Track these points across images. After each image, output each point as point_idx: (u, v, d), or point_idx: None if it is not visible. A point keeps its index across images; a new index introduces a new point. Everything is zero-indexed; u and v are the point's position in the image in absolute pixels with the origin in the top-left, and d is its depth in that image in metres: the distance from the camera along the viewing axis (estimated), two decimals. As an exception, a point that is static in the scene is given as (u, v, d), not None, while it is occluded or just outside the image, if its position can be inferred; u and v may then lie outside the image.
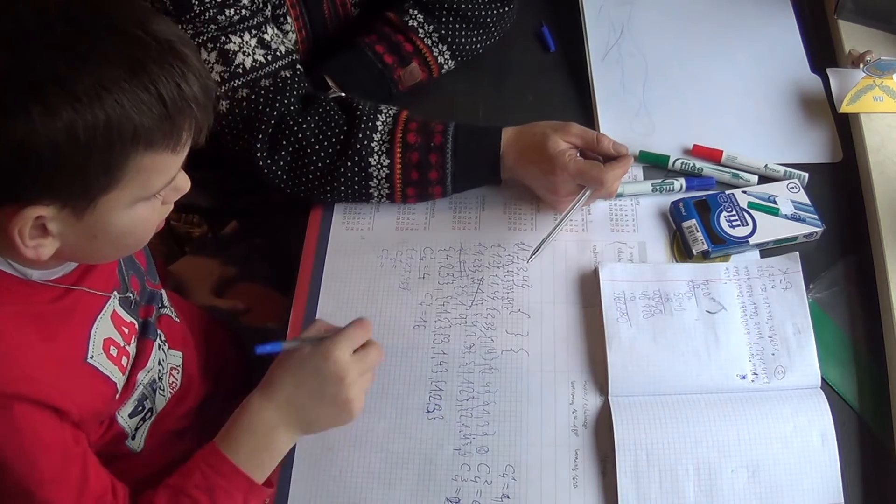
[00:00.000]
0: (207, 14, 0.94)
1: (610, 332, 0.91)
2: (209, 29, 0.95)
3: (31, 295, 0.72)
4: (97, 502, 0.73)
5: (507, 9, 1.13)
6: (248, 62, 0.97)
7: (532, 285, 0.96)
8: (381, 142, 0.97)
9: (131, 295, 0.85)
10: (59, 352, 0.73)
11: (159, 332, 0.89)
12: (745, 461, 0.82)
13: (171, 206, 0.76)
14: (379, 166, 0.97)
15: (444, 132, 0.98)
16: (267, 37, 0.99)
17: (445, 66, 1.13)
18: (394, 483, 0.83)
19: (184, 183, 0.74)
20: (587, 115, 1.12)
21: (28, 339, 0.70)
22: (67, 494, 0.71)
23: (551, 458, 0.85)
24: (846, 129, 1.08)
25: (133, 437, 0.86)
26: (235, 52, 0.97)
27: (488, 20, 1.12)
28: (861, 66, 1.06)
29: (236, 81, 0.96)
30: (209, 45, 0.96)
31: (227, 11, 0.95)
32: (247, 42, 0.97)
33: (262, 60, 0.98)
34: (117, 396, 0.80)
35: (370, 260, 0.98)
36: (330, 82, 1.09)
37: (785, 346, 0.89)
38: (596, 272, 0.96)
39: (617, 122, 1.10)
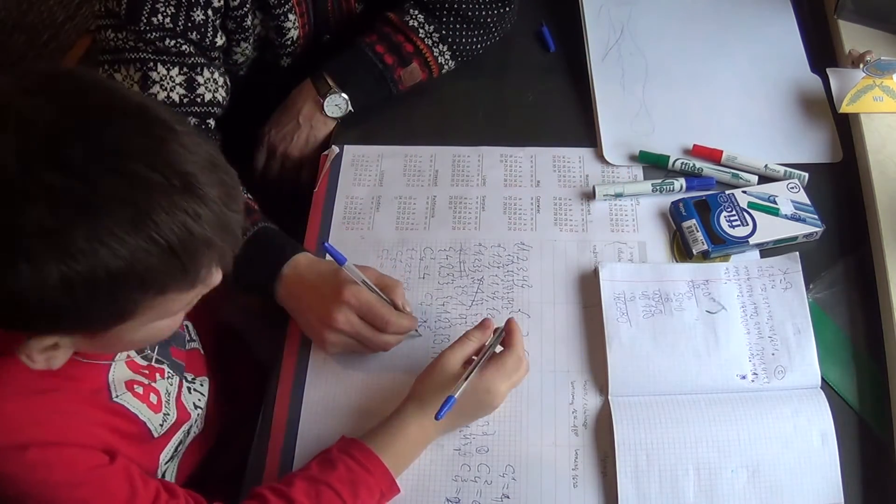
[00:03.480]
0: (151, 35, 0.94)
1: (610, 332, 0.91)
2: (145, 49, 0.95)
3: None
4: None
5: (507, 9, 1.13)
6: (161, 96, 0.97)
7: (532, 285, 0.96)
8: None
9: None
10: (77, 394, 0.72)
11: (188, 374, 0.89)
12: (745, 461, 0.82)
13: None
14: None
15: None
16: (200, 79, 0.99)
17: (445, 67, 1.13)
18: (394, 483, 0.83)
19: (217, 280, 0.68)
20: (587, 115, 1.12)
21: (36, 387, 0.69)
22: None
23: (551, 458, 0.85)
24: (846, 129, 1.08)
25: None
26: (154, 83, 0.96)
27: (489, 20, 1.12)
28: (861, 66, 1.05)
29: None
30: (137, 65, 0.96)
31: (168, 41, 0.95)
32: (171, 77, 0.97)
33: (176, 100, 0.98)
34: (156, 436, 0.80)
35: (370, 260, 0.98)
36: (330, 82, 1.09)
37: (785, 346, 0.89)
38: (596, 272, 0.96)
39: (617, 122, 1.10)
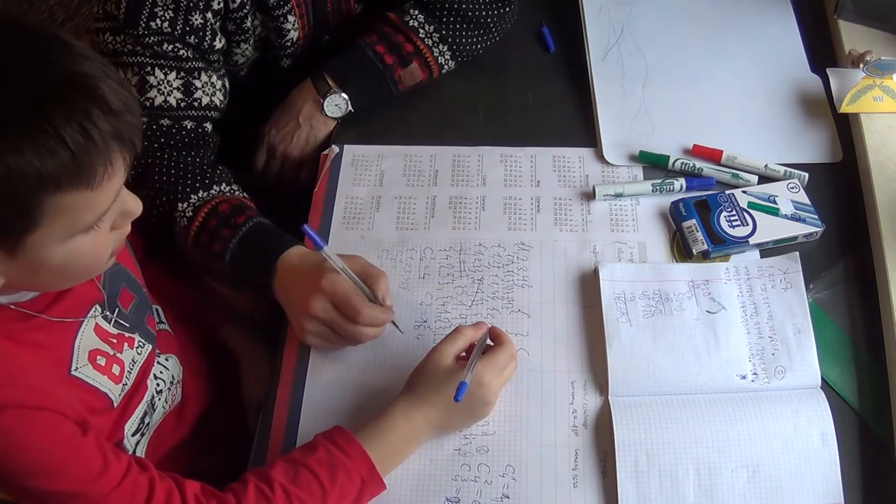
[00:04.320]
0: (149, 39, 0.94)
1: (610, 332, 0.91)
2: (143, 53, 0.95)
3: (1, 317, 0.71)
4: (122, 479, 0.71)
5: (507, 9, 1.13)
6: (159, 101, 0.97)
7: (532, 285, 0.96)
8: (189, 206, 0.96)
9: (119, 308, 0.84)
10: (42, 362, 0.72)
11: (157, 348, 0.89)
12: (745, 461, 0.82)
13: (128, 229, 0.73)
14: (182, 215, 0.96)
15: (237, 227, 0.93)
16: (197, 83, 0.99)
17: (445, 67, 1.13)
18: (394, 483, 0.83)
19: (134, 206, 0.71)
20: (587, 115, 1.12)
21: (6, 350, 0.69)
22: (87, 480, 0.70)
23: (551, 458, 0.85)
24: (846, 129, 1.08)
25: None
26: (151, 87, 0.97)
27: (489, 20, 1.12)
28: (861, 66, 1.06)
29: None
30: (134, 69, 0.96)
31: (166, 45, 0.95)
32: (168, 81, 0.97)
33: (173, 104, 0.98)
34: (116, 405, 0.80)
35: (370, 260, 0.98)
36: (330, 82, 1.09)
37: (785, 346, 0.89)
38: (596, 272, 0.96)
39: (617, 122, 1.10)
